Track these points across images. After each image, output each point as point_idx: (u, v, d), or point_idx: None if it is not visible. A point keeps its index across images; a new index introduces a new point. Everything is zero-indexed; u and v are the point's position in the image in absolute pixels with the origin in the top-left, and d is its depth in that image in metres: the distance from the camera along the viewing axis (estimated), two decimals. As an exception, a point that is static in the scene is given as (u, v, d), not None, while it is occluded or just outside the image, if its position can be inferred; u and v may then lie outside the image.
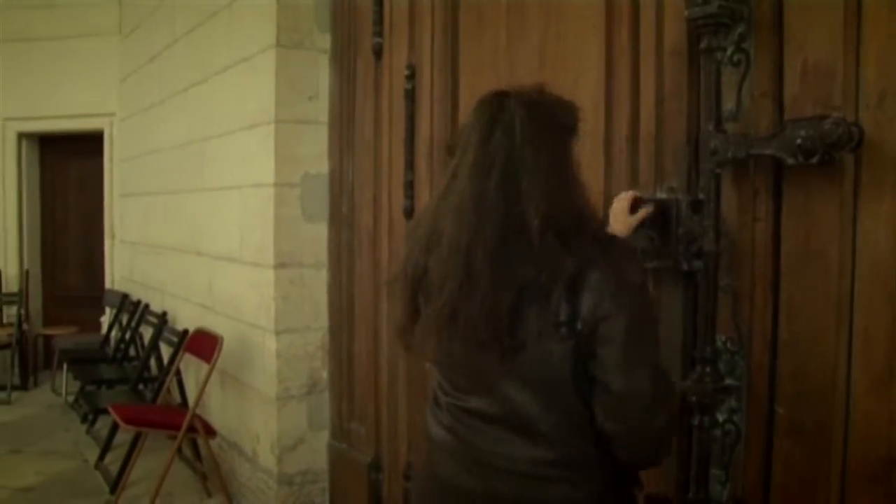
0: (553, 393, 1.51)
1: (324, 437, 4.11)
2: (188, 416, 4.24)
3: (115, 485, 4.44)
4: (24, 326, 7.33)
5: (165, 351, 5.31)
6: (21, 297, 7.48)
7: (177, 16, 5.46)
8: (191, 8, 5.14)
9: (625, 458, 1.56)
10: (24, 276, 7.68)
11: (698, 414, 1.98)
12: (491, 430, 1.57)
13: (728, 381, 1.97)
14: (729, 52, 1.97)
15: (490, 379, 1.55)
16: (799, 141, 1.73)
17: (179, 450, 4.45)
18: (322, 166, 4.07)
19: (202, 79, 4.94)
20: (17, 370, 7.14)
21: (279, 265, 3.96)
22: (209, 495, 4.54)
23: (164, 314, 5.44)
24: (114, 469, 4.64)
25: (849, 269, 1.71)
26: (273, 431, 3.99)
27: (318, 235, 4.07)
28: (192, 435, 4.36)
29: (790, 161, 1.76)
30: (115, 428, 4.77)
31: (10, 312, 7.47)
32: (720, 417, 1.98)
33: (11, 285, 7.63)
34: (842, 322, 1.73)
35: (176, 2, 5.48)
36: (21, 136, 7.80)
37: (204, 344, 4.42)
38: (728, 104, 1.97)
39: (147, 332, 5.81)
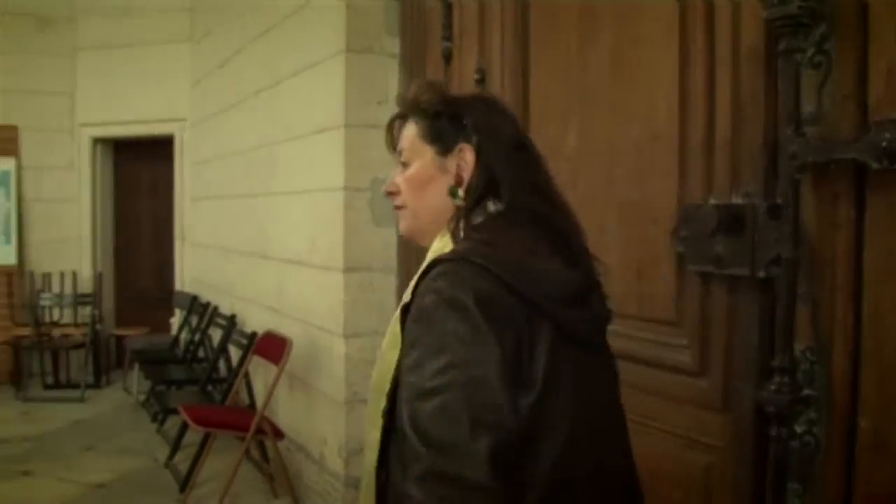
0: None
1: (390, 441, 4.10)
2: (256, 418, 4.29)
3: (185, 484, 4.51)
4: (98, 327, 7.55)
5: (234, 353, 5.38)
6: (94, 298, 7.68)
7: (247, 22, 5.53)
8: (261, 13, 5.21)
9: None
10: (98, 277, 7.88)
11: (775, 425, 1.93)
12: None
13: (807, 392, 1.91)
14: (809, 53, 1.90)
15: None
16: (884, 144, 1.66)
17: (247, 451, 4.51)
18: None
19: (272, 83, 4.99)
20: (90, 369, 7.35)
21: (348, 269, 3.98)
22: (276, 497, 4.59)
23: (234, 316, 5.51)
24: (183, 468, 4.72)
25: (937, 277, 1.65)
26: (341, 435, 4.01)
27: (387, 240, 4.08)
28: (260, 436, 4.41)
29: (874, 165, 1.69)
30: (184, 428, 4.86)
31: (84, 313, 7.67)
32: (798, 429, 1.92)
33: (86, 286, 7.83)
34: (929, 332, 1.67)
35: (246, 8, 5.56)
36: (96, 141, 8.02)
37: (273, 346, 4.47)
38: (808, 107, 1.91)
39: (216, 334, 5.90)
